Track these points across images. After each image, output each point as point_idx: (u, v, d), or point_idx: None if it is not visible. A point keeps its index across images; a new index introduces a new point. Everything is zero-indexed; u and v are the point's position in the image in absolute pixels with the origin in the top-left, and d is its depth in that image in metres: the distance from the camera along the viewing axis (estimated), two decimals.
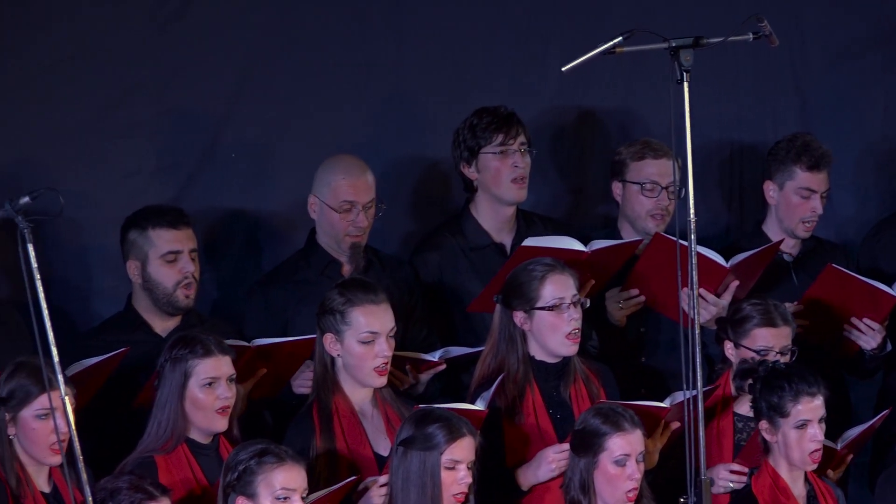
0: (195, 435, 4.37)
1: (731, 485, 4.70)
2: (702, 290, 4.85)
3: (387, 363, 4.51)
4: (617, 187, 5.62)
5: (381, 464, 4.44)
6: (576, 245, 5.08)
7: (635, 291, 5.34)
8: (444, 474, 4.13)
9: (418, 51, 5.97)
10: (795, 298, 5.38)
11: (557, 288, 4.69)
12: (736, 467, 4.75)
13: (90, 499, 3.48)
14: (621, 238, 5.53)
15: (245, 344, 4.73)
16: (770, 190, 5.64)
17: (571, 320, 4.70)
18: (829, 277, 5.28)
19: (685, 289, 4.14)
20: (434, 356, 4.94)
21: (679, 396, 4.29)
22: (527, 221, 5.60)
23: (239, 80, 5.76)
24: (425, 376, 4.98)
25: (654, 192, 5.50)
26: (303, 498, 3.95)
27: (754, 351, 4.83)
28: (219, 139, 5.71)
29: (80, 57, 5.46)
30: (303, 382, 4.90)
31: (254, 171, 5.77)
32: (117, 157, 5.51)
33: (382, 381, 4.53)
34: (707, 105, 5.83)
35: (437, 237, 5.59)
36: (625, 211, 5.65)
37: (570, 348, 4.74)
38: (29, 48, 5.40)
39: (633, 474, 4.35)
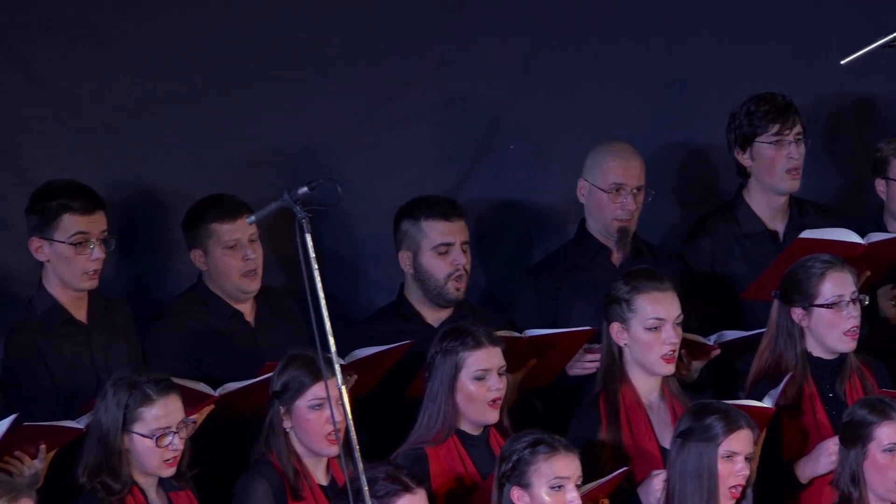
0: (466, 426, 4.36)
1: None
2: None
3: (674, 350, 4.46)
4: (880, 184, 5.49)
5: (665, 458, 4.39)
6: (853, 237, 4.96)
7: None
8: (722, 466, 4.07)
9: (694, 38, 5.87)
10: None
11: (836, 285, 4.59)
12: None
13: (366, 489, 3.47)
14: (887, 232, 5.36)
15: (517, 335, 4.72)
16: None
17: (850, 317, 4.60)
18: None
19: None
20: (709, 340, 4.87)
21: None
22: (800, 209, 5.53)
23: (517, 70, 5.77)
24: (698, 363, 4.90)
25: None
26: (577, 486, 3.91)
27: None
28: (497, 130, 5.74)
29: (362, 47, 5.55)
30: (583, 365, 4.88)
31: (530, 162, 5.77)
32: (397, 148, 5.59)
33: (670, 368, 4.48)
34: None
35: (709, 223, 5.54)
36: (889, 207, 5.52)
37: (848, 345, 4.64)
38: (312, 40, 5.52)
39: None
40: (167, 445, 3.88)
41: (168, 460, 3.91)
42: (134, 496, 3.92)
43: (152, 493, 4.00)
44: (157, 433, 3.86)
